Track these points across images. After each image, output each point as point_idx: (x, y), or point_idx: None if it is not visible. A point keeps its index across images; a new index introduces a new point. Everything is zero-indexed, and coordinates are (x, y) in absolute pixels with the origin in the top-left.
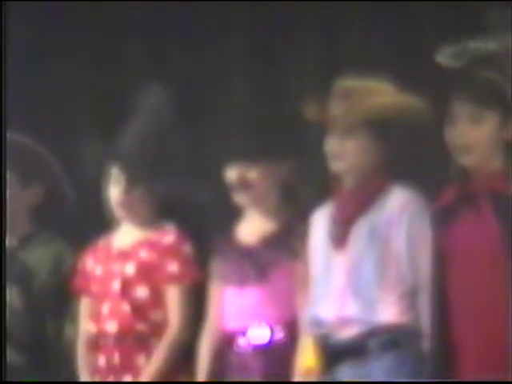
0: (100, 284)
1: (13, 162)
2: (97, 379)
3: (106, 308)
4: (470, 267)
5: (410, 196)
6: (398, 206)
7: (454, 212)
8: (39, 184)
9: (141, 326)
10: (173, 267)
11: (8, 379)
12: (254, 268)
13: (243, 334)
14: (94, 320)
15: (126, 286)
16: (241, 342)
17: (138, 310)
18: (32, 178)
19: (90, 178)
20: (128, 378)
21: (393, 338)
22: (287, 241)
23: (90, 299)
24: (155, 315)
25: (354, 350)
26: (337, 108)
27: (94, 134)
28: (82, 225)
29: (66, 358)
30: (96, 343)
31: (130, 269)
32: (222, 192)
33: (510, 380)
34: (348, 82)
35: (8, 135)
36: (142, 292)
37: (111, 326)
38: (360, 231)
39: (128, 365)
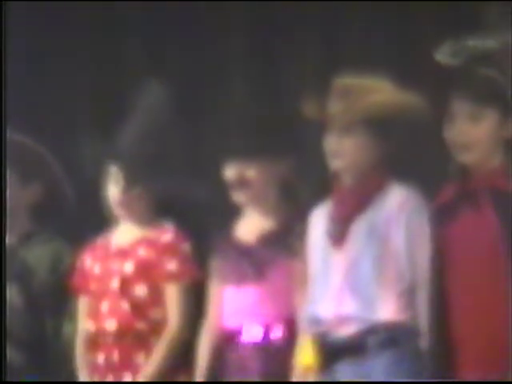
0: (99, 282)
1: (13, 161)
2: (96, 377)
3: (105, 306)
4: (470, 265)
5: (408, 194)
6: (397, 204)
7: (454, 210)
8: (39, 183)
9: (140, 325)
10: (171, 265)
11: (7, 377)
12: (252, 266)
13: (242, 332)
14: (93, 318)
15: (125, 285)
16: (239, 340)
17: (137, 308)
18: (31, 177)
19: (89, 177)
20: (127, 376)
21: (391, 336)
22: (286, 239)
23: (89, 298)
24: (154, 313)
25: (352, 348)
26: (335, 106)
27: (94, 133)
28: (81, 223)
29: (65, 356)
30: (95, 341)
31: (128, 267)
32: (221, 190)
33: (510, 380)
34: (347, 80)
35: (8, 134)
36: (140, 290)
37: (110, 325)
38: (359, 229)
39: (127, 363)
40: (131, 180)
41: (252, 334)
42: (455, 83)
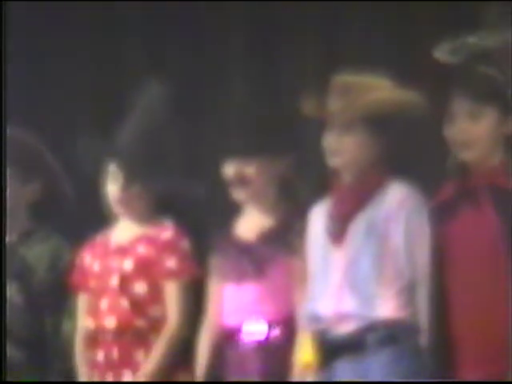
0: (98, 280)
1: (12, 158)
2: (95, 375)
3: (104, 304)
4: (470, 262)
5: (408, 192)
6: (396, 201)
7: (453, 207)
8: (38, 181)
9: (139, 322)
10: (171, 263)
11: (7, 375)
12: (252, 264)
13: (241, 329)
14: (93, 316)
15: (125, 282)
16: (239, 337)
17: (137, 305)
18: (31, 175)
19: (88, 175)
20: (127, 374)
21: (390, 334)
22: (285, 237)
23: (89, 295)
24: (154, 311)
25: (351, 346)
26: (335, 104)
27: (93, 132)
28: (80, 221)
29: (65, 353)
30: (95, 339)
31: (128, 264)
32: (220, 188)
33: (510, 380)
34: (346, 78)
35: (8, 133)
36: (140, 288)
37: (110, 322)
38: (358, 227)
39: (127, 360)
40: (130, 178)
41: (252, 331)
42: (455, 81)
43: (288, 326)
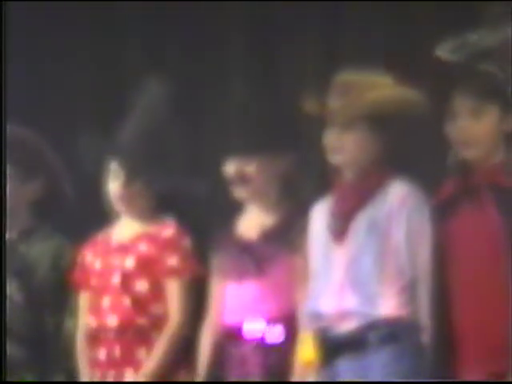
0: (100, 278)
1: (13, 156)
2: (97, 373)
3: (106, 302)
4: (470, 260)
5: (409, 190)
6: (398, 199)
7: (454, 205)
8: (39, 179)
9: (141, 320)
10: (172, 261)
11: (7, 373)
12: (253, 262)
13: (243, 327)
14: (94, 314)
15: (126, 280)
16: (240, 335)
17: (138, 303)
18: (32, 174)
19: (89, 173)
20: (128, 372)
21: (392, 332)
22: (287, 235)
23: (90, 293)
24: (155, 309)
25: (353, 344)
26: (336, 102)
27: (94, 131)
28: (81, 219)
29: (66, 352)
30: (96, 337)
31: (129, 262)
32: (221, 186)
33: (510, 380)
34: (347, 76)
35: (8, 130)
36: (141, 286)
37: (111, 320)
38: (359, 225)
39: (128, 358)
40: (131, 176)
41: (253, 329)
42: (455, 80)
43: (289, 323)
